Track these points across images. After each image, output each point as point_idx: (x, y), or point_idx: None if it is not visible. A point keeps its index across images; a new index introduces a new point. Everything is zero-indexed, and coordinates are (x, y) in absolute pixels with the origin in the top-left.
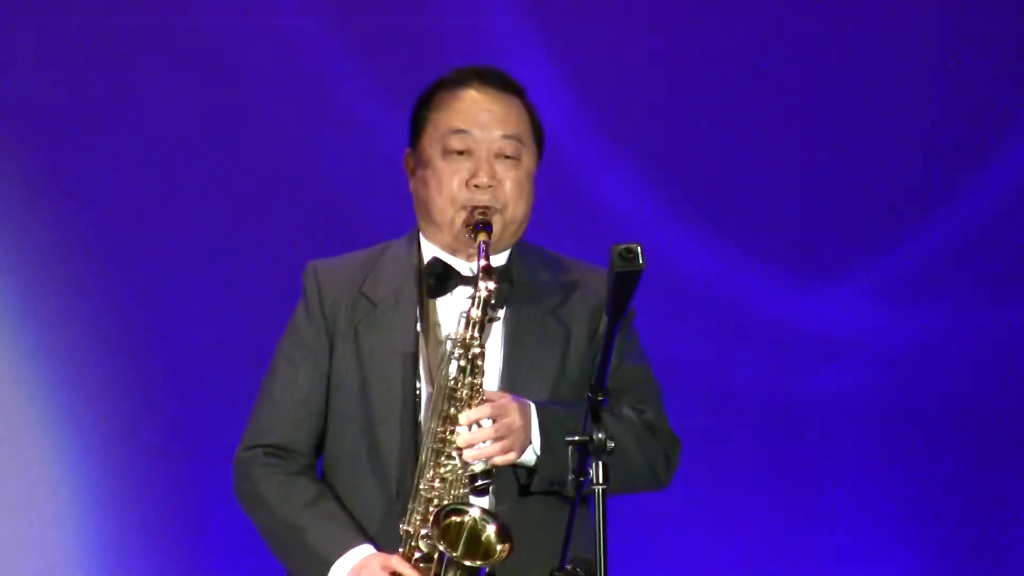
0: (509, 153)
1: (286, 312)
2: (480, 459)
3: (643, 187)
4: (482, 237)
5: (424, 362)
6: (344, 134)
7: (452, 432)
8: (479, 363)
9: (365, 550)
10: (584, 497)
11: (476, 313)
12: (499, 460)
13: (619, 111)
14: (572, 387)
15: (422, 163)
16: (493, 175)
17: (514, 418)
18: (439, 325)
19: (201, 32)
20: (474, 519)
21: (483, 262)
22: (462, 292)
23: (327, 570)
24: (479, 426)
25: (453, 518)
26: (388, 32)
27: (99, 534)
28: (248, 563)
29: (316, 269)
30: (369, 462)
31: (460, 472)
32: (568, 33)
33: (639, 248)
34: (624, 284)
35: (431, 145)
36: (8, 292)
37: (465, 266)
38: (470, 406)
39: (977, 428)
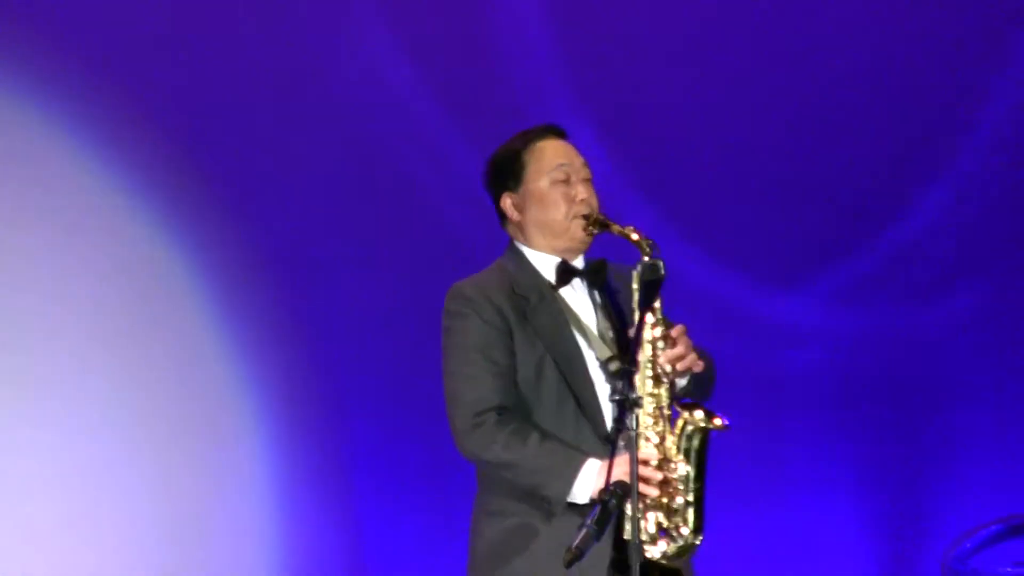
0: (588, 176)
1: (409, 318)
2: (687, 367)
3: (648, 210)
4: (616, 227)
5: (578, 330)
6: (448, 180)
7: (659, 356)
8: (661, 315)
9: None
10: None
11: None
12: (696, 368)
13: (633, 149)
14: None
15: (532, 196)
16: (588, 191)
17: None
18: (571, 306)
19: (338, 99)
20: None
21: (635, 236)
22: (577, 282)
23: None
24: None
25: (685, 413)
26: (489, 102)
27: (289, 508)
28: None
29: (470, 285)
30: (571, 407)
31: (669, 389)
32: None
33: (661, 263)
34: (651, 289)
35: (538, 180)
36: (217, 298)
37: (576, 263)
38: (669, 340)
39: (901, 400)
